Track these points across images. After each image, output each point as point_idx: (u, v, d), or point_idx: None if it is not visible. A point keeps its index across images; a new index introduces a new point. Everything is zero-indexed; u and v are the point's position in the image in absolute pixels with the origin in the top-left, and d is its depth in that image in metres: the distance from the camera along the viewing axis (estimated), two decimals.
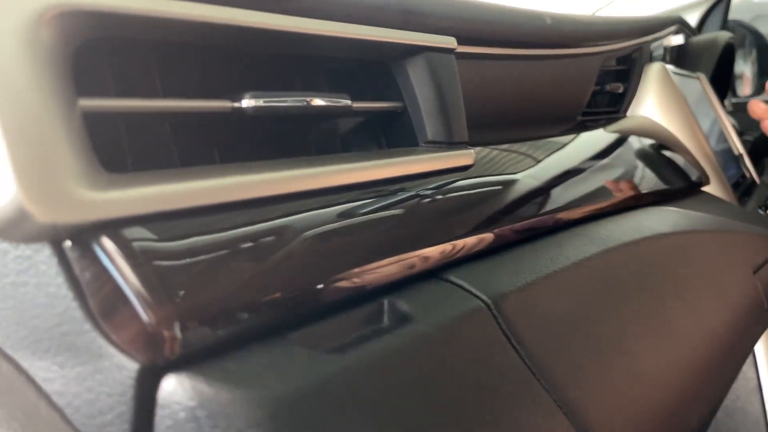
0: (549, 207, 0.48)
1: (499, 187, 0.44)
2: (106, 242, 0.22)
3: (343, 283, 0.29)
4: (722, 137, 1.08)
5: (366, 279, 0.30)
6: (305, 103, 0.33)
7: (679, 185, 0.81)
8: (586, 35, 0.65)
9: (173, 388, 0.21)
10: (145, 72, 0.31)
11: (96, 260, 0.22)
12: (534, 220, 0.45)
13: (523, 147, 0.57)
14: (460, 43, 0.45)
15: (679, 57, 1.32)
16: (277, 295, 0.25)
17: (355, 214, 0.31)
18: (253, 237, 0.26)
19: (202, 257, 0.24)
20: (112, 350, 0.22)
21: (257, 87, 0.34)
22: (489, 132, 0.57)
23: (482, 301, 0.33)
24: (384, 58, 0.41)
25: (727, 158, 1.05)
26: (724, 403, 0.90)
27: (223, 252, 0.24)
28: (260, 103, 0.30)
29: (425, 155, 0.39)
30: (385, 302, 0.31)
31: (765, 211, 0.89)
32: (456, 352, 0.29)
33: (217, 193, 0.25)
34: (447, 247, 0.35)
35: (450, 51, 0.43)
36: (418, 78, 0.41)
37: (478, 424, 0.28)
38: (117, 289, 0.22)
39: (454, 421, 0.27)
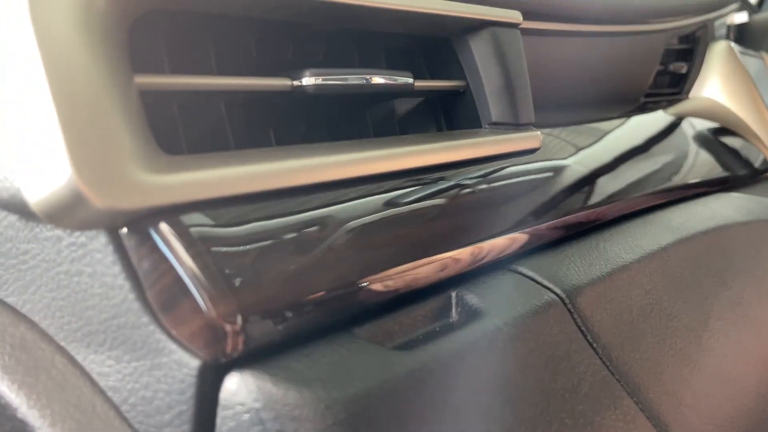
0: (616, 193, 0.45)
1: (567, 172, 0.41)
2: (166, 229, 0.20)
3: (410, 275, 0.27)
4: None
5: (433, 270, 0.28)
6: (366, 81, 0.31)
7: (745, 170, 0.77)
8: (652, 11, 0.62)
9: (237, 387, 0.20)
10: (200, 48, 0.29)
11: (155, 248, 0.20)
12: (603, 208, 0.43)
13: (586, 130, 0.55)
14: (525, 18, 0.43)
15: (741, 35, 1.26)
16: (343, 287, 0.24)
17: (421, 200, 0.29)
18: (317, 225, 0.24)
19: (265, 246, 0.22)
20: (171, 345, 0.20)
21: (315, 65, 0.32)
22: (552, 113, 0.54)
23: (556, 294, 0.31)
24: (446, 33, 0.38)
25: None
26: None
27: (286, 241, 0.23)
28: (320, 81, 0.28)
29: (491, 137, 0.36)
30: (454, 295, 0.29)
31: None
32: (530, 349, 0.27)
33: (280, 178, 0.23)
34: (517, 237, 0.33)
35: (515, 26, 0.40)
36: (482, 54, 0.38)
37: (556, 426, 0.26)
38: (177, 279, 0.20)
39: (528, 423, 0.25)
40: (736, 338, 0.38)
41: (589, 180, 0.44)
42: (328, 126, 0.35)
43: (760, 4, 1.71)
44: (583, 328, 0.30)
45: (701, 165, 0.70)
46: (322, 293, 0.23)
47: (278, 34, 0.33)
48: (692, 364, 0.35)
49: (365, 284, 0.25)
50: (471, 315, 0.28)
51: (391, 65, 0.39)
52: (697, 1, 0.77)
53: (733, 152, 0.78)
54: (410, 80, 0.34)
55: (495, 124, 0.39)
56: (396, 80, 0.33)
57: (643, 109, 0.72)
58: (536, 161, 0.40)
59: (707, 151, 0.74)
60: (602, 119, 0.60)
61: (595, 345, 0.30)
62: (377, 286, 0.25)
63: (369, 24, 0.34)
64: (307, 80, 0.28)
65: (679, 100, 0.80)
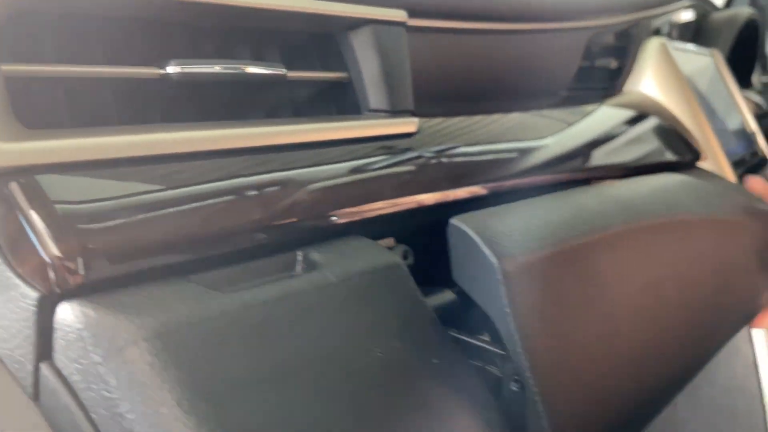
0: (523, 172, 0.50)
1: (459, 154, 0.46)
2: (15, 186, 0.25)
3: (256, 234, 0.32)
4: (733, 114, 1.07)
5: (280, 232, 0.33)
6: (233, 70, 0.35)
7: (671, 159, 0.81)
8: (563, 11, 0.66)
9: (66, 314, 0.25)
10: (86, 41, 0.34)
11: (7, 201, 0.25)
12: (486, 185, 0.47)
13: (499, 120, 0.59)
14: (414, 16, 0.47)
15: (698, 33, 1.30)
16: (176, 237, 0.28)
17: (277, 172, 0.34)
18: (160, 184, 0.29)
19: (105, 202, 0.27)
20: (17, 281, 0.25)
21: (210, 57, 0.37)
22: (467, 104, 0.58)
23: (393, 259, 0.36)
24: (329, 30, 0.43)
25: (738, 135, 1.04)
26: (721, 381, 0.90)
27: (127, 199, 0.27)
28: (185, 69, 0.33)
29: (362, 122, 0.41)
30: (300, 253, 0.33)
31: None
32: (362, 306, 0.32)
33: (115, 149, 0.28)
34: (373, 206, 0.38)
35: (399, 24, 0.45)
36: (362, 49, 0.43)
37: (369, 369, 0.30)
38: (21, 226, 0.25)
39: (345, 375, 0.30)
40: (645, 319, 0.43)
41: (480, 161, 0.49)
42: (221, 115, 0.40)
43: (729, 3, 1.74)
44: (417, 290, 0.35)
45: (624, 153, 0.75)
46: (159, 242, 0.28)
47: (168, 32, 0.37)
48: (577, 323, 0.38)
49: (198, 237, 0.29)
50: (309, 269, 0.32)
51: (287, 60, 0.43)
52: (623, 0, 0.81)
53: (661, 143, 0.82)
54: (281, 71, 0.38)
55: (373, 110, 0.43)
56: (265, 70, 0.37)
57: (572, 102, 0.76)
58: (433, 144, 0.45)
59: (632, 142, 0.78)
60: (519, 110, 0.65)
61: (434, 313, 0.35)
62: (210, 240, 0.30)
63: (253, 22, 0.39)
64: (172, 69, 0.33)
65: (613, 95, 0.85)
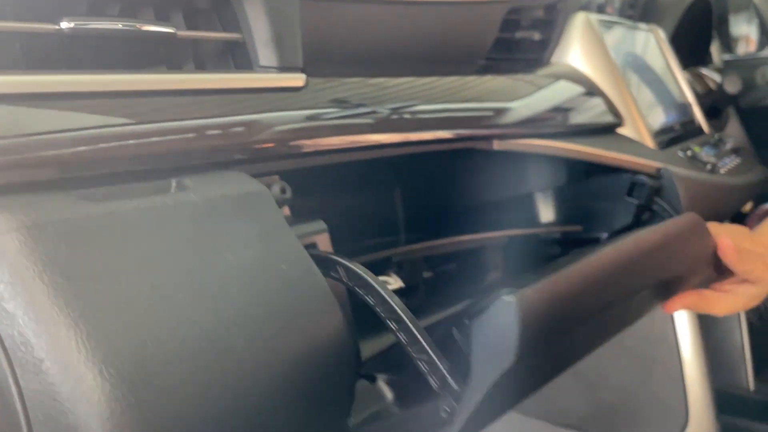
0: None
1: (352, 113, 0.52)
2: None
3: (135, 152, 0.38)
4: (668, 87, 1.13)
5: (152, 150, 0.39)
6: (124, 27, 0.42)
7: (592, 125, 0.87)
8: None
9: None
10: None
11: None
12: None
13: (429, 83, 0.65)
14: None
15: (646, 11, 1.36)
16: (66, 160, 0.35)
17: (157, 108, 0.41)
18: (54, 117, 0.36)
19: None
20: None
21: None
22: (371, 67, 0.65)
23: (261, 187, 0.42)
24: None
25: (670, 106, 1.10)
26: (641, 333, 0.97)
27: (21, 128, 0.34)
28: (76, 25, 0.39)
29: (250, 75, 0.47)
30: (175, 180, 0.40)
31: (686, 153, 0.94)
32: (220, 219, 0.38)
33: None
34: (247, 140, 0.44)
35: None
36: (252, 12, 0.49)
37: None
38: None
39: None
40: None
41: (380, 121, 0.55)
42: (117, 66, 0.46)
43: None
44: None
45: (552, 116, 0.81)
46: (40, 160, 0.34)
47: None
48: None
49: (83, 163, 0.36)
50: (180, 190, 0.39)
51: (191, 23, 0.50)
52: None
53: (585, 110, 0.88)
54: (171, 30, 0.45)
55: (263, 67, 0.50)
56: (155, 28, 0.44)
57: (499, 70, 0.82)
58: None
59: (560, 108, 0.84)
60: (437, 75, 0.71)
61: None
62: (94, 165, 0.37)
63: None
64: (66, 24, 0.39)
65: (539, 65, 0.91)
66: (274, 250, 0.39)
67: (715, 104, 1.26)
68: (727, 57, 1.73)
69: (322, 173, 0.55)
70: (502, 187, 0.88)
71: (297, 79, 0.50)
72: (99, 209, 0.34)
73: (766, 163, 1.31)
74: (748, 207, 1.23)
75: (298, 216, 0.47)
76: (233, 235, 0.38)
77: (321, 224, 0.46)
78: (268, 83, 0.48)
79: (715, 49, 1.57)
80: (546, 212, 0.88)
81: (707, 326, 1.18)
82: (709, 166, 0.94)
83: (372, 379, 0.47)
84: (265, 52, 0.49)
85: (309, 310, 0.39)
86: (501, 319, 0.34)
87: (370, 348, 0.51)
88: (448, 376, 0.38)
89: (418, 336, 0.40)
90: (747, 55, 1.75)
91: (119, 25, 0.42)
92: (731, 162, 1.04)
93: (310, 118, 0.48)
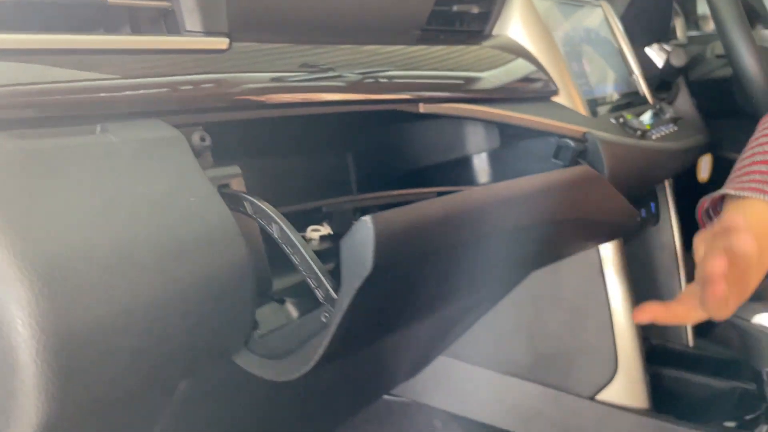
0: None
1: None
2: None
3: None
4: (614, 59, 1.20)
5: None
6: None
7: (528, 93, 0.94)
8: None
9: None
10: None
11: None
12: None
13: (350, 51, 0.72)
14: None
15: None
16: None
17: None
18: None
19: None
20: None
21: None
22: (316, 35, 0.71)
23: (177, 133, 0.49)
24: None
25: (612, 77, 1.17)
26: (573, 285, 1.04)
27: None
28: None
29: (175, 38, 0.54)
30: (98, 125, 0.47)
31: (618, 120, 1.01)
32: (135, 159, 0.45)
33: None
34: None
35: None
36: None
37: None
38: None
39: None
40: None
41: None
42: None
43: None
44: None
45: (490, 85, 0.88)
46: None
47: None
48: None
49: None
50: (103, 132, 0.46)
51: None
52: None
53: (522, 79, 0.95)
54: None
55: (189, 32, 0.56)
56: None
57: (438, 41, 0.89)
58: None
59: (497, 76, 0.91)
60: (375, 43, 0.78)
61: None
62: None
63: None
64: None
65: (481, 38, 0.97)
66: (184, 185, 0.47)
67: (664, 77, 1.32)
68: (692, 33, 1.79)
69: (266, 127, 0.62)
70: (442, 150, 0.95)
71: (221, 43, 0.57)
72: (30, 144, 0.41)
73: (713, 133, 1.38)
74: None
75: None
76: (147, 170, 0.46)
77: (236, 169, 0.53)
78: (192, 46, 0.55)
79: (680, 25, 1.63)
80: (482, 173, 0.95)
81: (648, 286, 1.25)
82: (639, 133, 1.00)
83: (282, 302, 0.55)
84: (191, 18, 0.56)
85: (213, 238, 0.46)
86: (359, 236, 0.41)
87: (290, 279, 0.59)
88: (329, 288, 0.46)
89: (306, 256, 0.47)
90: (713, 31, 1.81)
91: None
92: (666, 130, 1.10)
93: (228, 77, 0.55)
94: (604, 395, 1.03)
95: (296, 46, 0.67)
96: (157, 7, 0.56)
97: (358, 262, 0.41)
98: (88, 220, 0.41)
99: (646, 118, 1.10)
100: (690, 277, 1.22)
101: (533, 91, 0.95)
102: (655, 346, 1.22)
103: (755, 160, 0.75)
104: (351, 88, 0.67)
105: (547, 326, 1.05)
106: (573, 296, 1.03)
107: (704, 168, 1.47)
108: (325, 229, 0.71)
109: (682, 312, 0.61)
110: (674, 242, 1.22)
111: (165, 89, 0.51)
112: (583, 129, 0.90)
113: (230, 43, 0.58)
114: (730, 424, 1.01)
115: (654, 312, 0.60)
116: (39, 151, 0.42)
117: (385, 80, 0.72)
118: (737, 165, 0.77)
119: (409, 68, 0.78)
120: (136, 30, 0.57)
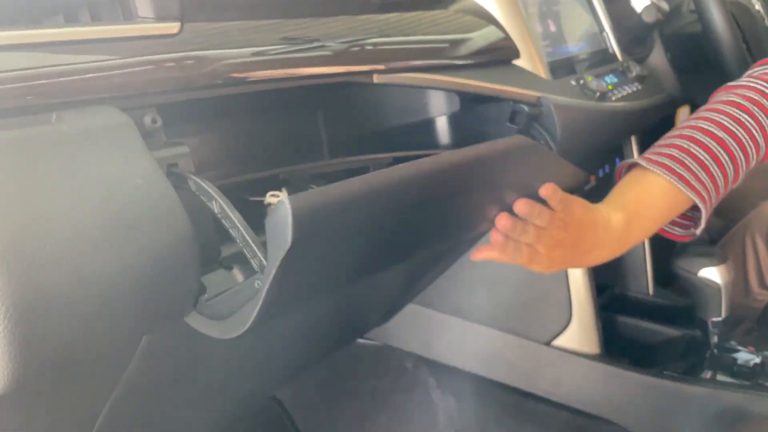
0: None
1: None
2: None
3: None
4: (584, 19, 1.22)
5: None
6: None
7: (490, 57, 0.98)
8: None
9: None
10: None
11: None
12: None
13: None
14: None
15: None
16: None
17: None
18: None
19: None
20: None
21: None
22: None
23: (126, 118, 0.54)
24: None
25: (585, 37, 1.20)
26: None
27: None
28: None
29: (128, 25, 0.59)
30: (54, 113, 0.52)
31: (578, 82, 1.04)
32: (85, 144, 0.51)
33: None
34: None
35: None
36: None
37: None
38: None
39: None
40: None
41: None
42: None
43: None
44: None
45: (455, 48, 0.92)
46: None
47: None
48: None
49: None
50: (58, 121, 0.51)
51: None
52: None
53: (485, 43, 0.98)
54: None
55: (141, 17, 0.61)
56: None
57: (393, 9, 0.92)
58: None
59: (462, 41, 0.94)
60: (342, 14, 0.82)
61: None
62: None
63: None
64: None
65: (445, 2, 1.00)
66: (131, 168, 0.52)
67: (637, 33, 1.34)
68: None
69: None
70: (405, 113, 1.00)
71: (171, 27, 0.61)
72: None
73: (686, 88, 1.41)
74: None
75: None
76: (97, 157, 0.51)
77: (184, 149, 0.59)
78: (144, 32, 0.60)
79: None
80: (444, 135, 1.00)
81: None
82: (597, 94, 1.04)
83: (230, 268, 0.61)
84: (142, 6, 0.61)
85: (156, 215, 0.52)
86: (279, 215, 0.47)
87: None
88: (262, 258, 0.52)
89: (242, 230, 0.53)
90: None
91: None
92: (630, 89, 1.14)
93: (177, 57, 0.60)
94: (559, 341, 1.10)
95: (250, 22, 0.71)
96: None
97: (279, 238, 0.47)
98: (44, 204, 0.47)
99: (609, 78, 1.13)
100: None
101: (493, 54, 0.98)
102: (617, 295, 1.29)
103: (681, 134, 0.80)
104: (303, 62, 0.71)
105: (508, 278, 1.12)
106: None
107: (683, 120, 1.51)
108: (284, 195, 0.77)
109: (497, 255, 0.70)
110: None
111: (116, 75, 0.56)
112: (538, 94, 0.94)
113: (182, 27, 0.62)
114: (675, 370, 1.08)
115: (485, 253, 0.71)
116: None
117: (338, 51, 0.76)
118: (664, 136, 0.81)
119: (366, 37, 0.82)
120: (95, 17, 0.61)
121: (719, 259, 1.02)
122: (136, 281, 0.51)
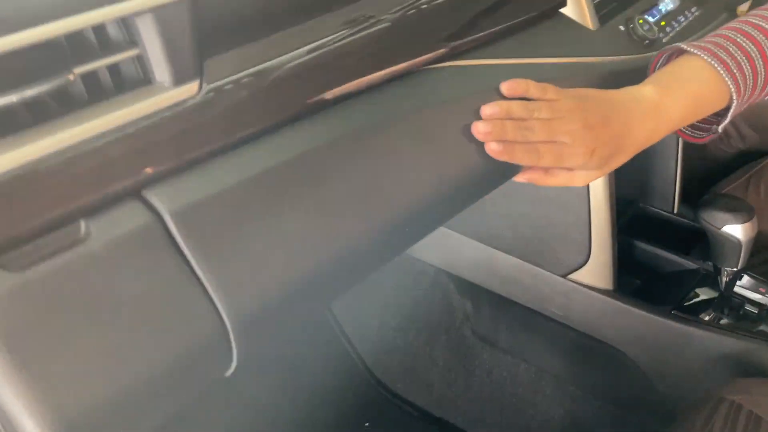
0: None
1: None
2: None
3: None
4: None
5: None
6: None
7: (532, 9, 0.89)
8: None
9: None
10: None
11: None
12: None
13: None
14: None
15: None
16: None
17: None
18: None
19: None
20: None
21: None
22: None
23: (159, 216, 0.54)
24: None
25: None
26: None
27: None
28: None
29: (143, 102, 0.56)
30: (82, 223, 0.52)
31: (627, 26, 0.96)
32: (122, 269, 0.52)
33: None
34: None
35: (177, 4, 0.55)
36: (146, 33, 0.55)
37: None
38: None
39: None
40: None
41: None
42: None
43: None
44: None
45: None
46: None
47: None
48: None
49: None
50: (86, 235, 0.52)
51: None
52: None
53: None
54: (70, 77, 0.52)
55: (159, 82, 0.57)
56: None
57: None
58: None
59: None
60: None
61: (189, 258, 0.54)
62: None
63: None
64: None
65: None
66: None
67: None
68: None
69: None
70: None
71: (189, 91, 0.58)
72: (24, 276, 0.48)
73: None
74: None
75: None
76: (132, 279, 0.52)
77: None
78: (160, 104, 0.56)
79: None
80: None
81: (647, 154, 1.29)
82: (646, 42, 0.96)
83: None
84: (159, 69, 0.56)
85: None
86: None
87: None
88: None
89: None
90: None
91: None
92: (686, 20, 1.04)
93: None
94: (574, 276, 1.15)
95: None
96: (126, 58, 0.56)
97: None
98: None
99: (664, 5, 1.02)
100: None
101: (539, 4, 0.89)
102: (640, 211, 1.30)
103: (728, 33, 0.76)
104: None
105: (531, 215, 1.13)
106: (557, 192, 1.09)
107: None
108: None
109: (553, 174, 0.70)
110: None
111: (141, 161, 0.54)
112: (586, 59, 0.87)
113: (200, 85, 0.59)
114: (682, 308, 1.14)
115: (525, 174, 0.70)
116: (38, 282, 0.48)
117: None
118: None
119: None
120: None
121: (744, 216, 1.02)
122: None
